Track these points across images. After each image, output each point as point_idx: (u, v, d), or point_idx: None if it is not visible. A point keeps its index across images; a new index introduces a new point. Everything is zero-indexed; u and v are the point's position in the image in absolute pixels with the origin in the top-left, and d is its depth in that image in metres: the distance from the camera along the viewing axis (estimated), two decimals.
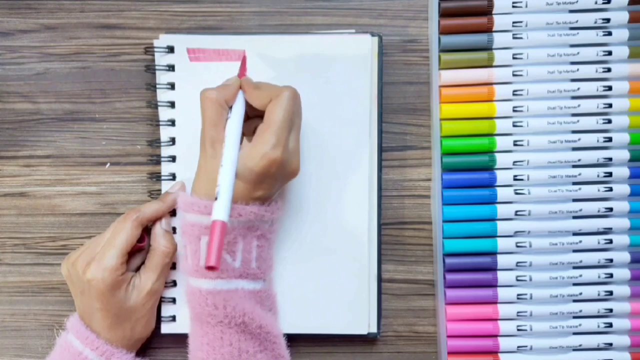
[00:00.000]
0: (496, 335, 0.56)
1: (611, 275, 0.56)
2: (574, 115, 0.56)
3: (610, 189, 0.56)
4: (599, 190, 0.56)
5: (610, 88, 0.56)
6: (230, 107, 0.51)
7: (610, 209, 0.56)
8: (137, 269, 0.54)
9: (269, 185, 0.50)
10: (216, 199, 0.47)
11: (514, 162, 0.56)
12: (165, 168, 0.57)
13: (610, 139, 0.56)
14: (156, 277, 0.53)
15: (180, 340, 0.55)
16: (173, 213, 0.55)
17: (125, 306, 0.51)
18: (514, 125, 0.56)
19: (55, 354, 0.52)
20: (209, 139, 0.50)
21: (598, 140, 0.56)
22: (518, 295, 0.56)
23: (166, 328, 0.56)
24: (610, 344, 0.56)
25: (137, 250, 0.54)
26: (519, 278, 0.56)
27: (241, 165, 0.49)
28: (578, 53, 0.56)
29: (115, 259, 0.50)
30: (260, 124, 0.50)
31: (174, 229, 0.56)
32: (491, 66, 0.56)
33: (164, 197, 0.55)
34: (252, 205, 0.50)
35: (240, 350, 0.50)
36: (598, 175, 0.56)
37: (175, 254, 0.54)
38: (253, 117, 0.53)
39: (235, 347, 0.50)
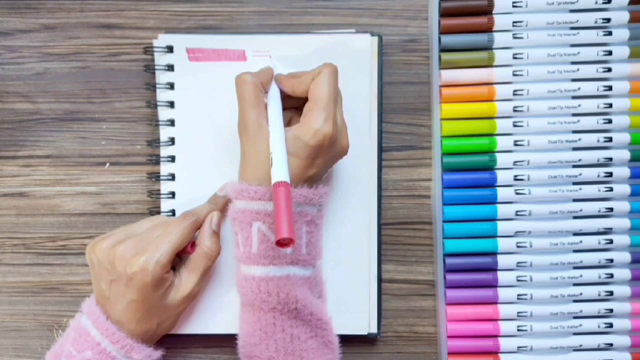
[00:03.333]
0: (496, 336, 0.56)
1: (612, 276, 0.56)
2: (574, 115, 0.56)
3: (611, 189, 0.56)
4: (599, 190, 0.56)
5: (610, 88, 0.56)
6: (266, 93, 0.52)
7: (611, 209, 0.56)
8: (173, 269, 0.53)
9: (321, 162, 0.50)
10: (271, 165, 0.47)
11: (515, 162, 0.56)
12: (165, 168, 0.56)
13: (610, 139, 0.56)
14: (197, 279, 0.52)
15: (178, 339, 0.55)
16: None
17: (161, 303, 0.51)
18: (514, 125, 0.56)
19: (69, 338, 0.51)
20: (251, 121, 0.50)
21: (598, 140, 0.56)
22: (518, 295, 0.56)
23: None
24: (611, 344, 0.56)
25: (181, 254, 0.53)
26: (519, 278, 0.56)
27: (294, 141, 0.49)
28: (578, 53, 0.55)
29: (167, 256, 0.50)
30: (306, 104, 0.50)
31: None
32: (491, 66, 0.56)
33: (214, 199, 0.54)
34: (301, 188, 0.50)
35: (292, 337, 0.50)
36: (598, 175, 0.56)
37: (218, 258, 0.53)
38: (286, 109, 0.53)
39: (287, 333, 0.50)
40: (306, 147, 0.49)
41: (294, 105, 0.54)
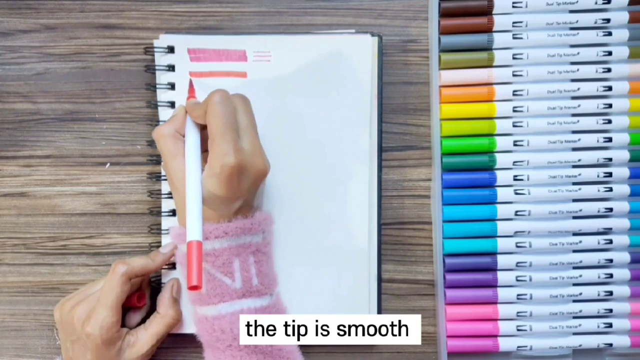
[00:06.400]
0: (496, 336, 0.56)
1: (611, 276, 0.56)
2: (574, 115, 0.56)
3: (610, 189, 0.56)
4: (599, 191, 0.56)
5: (610, 88, 0.56)
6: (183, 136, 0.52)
7: (610, 209, 0.56)
8: (138, 324, 0.54)
9: (242, 191, 0.49)
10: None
11: (514, 162, 0.56)
12: None
13: (610, 139, 0.56)
14: (154, 342, 0.52)
15: (180, 340, 0.55)
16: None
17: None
18: (514, 126, 0.56)
19: None
20: (175, 172, 0.50)
21: (598, 141, 0.56)
22: (518, 295, 0.56)
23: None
24: (610, 344, 0.56)
25: (129, 306, 0.54)
26: (518, 278, 0.56)
27: (208, 180, 0.48)
28: (578, 53, 0.56)
29: (109, 318, 0.50)
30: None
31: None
32: (491, 66, 0.56)
33: (154, 255, 0.54)
34: (235, 220, 0.50)
35: None
36: (598, 176, 0.56)
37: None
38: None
39: None
40: (219, 183, 0.48)
41: None
